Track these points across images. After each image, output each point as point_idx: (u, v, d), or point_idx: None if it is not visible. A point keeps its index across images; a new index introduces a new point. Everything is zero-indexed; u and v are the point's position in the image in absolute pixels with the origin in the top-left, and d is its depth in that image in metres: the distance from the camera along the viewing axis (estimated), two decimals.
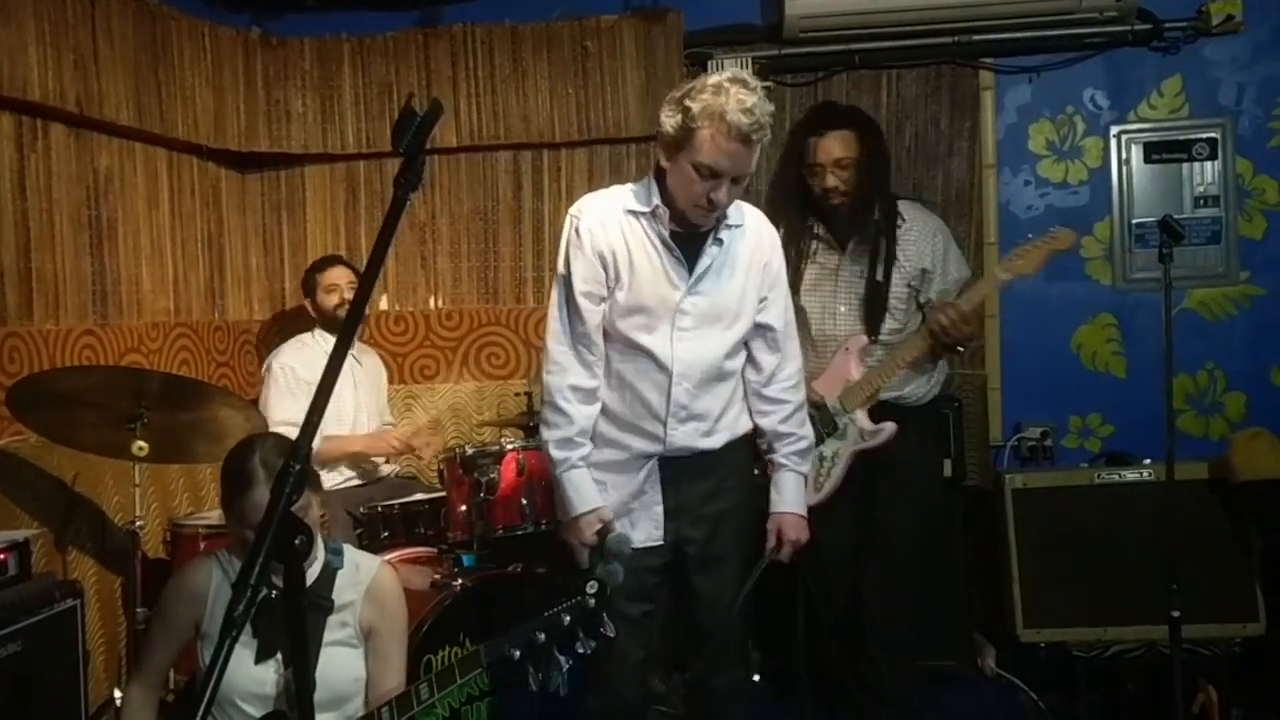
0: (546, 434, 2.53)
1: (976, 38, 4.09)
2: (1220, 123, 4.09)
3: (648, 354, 2.50)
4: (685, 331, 2.50)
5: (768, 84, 2.40)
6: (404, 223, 4.36)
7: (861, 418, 3.08)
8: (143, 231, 3.82)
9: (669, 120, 2.41)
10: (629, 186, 2.57)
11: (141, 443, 2.95)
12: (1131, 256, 4.15)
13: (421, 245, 4.47)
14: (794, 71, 4.22)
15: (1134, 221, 4.14)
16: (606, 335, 2.53)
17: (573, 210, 2.56)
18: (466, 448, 3.49)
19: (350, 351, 3.88)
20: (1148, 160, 4.13)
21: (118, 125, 3.59)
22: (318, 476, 2.44)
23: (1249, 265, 4.10)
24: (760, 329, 2.62)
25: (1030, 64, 4.16)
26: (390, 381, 4.32)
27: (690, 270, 2.50)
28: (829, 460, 3.07)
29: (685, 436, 2.54)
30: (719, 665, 2.66)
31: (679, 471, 2.57)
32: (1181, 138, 4.11)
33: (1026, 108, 4.20)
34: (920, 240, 3.14)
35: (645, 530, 2.56)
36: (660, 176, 2.49)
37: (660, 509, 2.57)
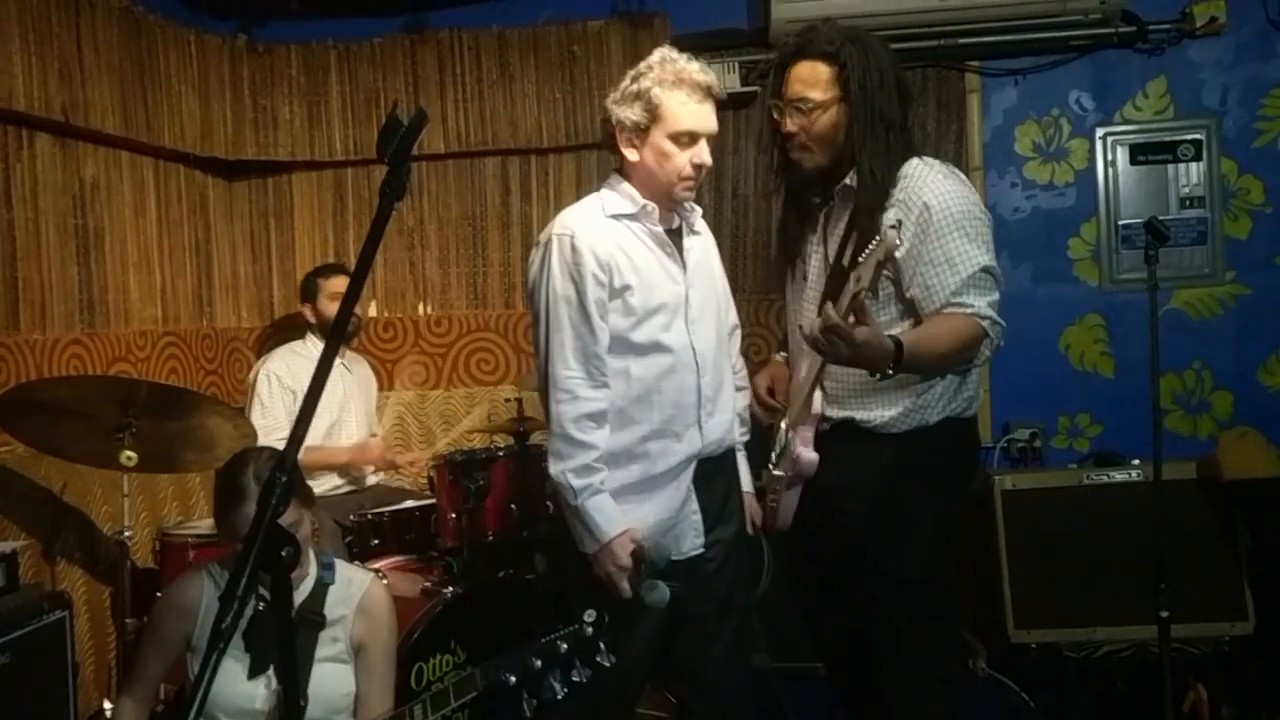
0: (560, 465, 2.36)
1: (962, 41, 4.10)
2: (1205, 123, 4.10)
3: (672, 352, 2.45)
4: (695, 324, 2.50)
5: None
6: (392, 229, 4.37)
7: (796, 439, 2.48)
8: (130, 240, 3.81)
9: (627, 111, 2.41)
10: (598, 196, 2.52)
11: (130, 452, 2.93)
12: (1118, 257, 4.17)
13: (410, 251, 4.46)
14: None
15: (1120, 222, 4.16)
16: (622, 346, 2.42)
17: (557, 230, 2.44)
18: (456, 454, 3.48)
19: (341, 361, 3.96)
20: (1133, 161, 4.15)
21: (104, 134, 3.58)
22: (311, 492, 2.42)
23: (1234, 265, 4.12)
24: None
25: (1016, 66, 4.17)
26: (380, 389, 4.32)
27: (682, 264, 2.52)
28: (777, 482, 2.59)
29: (715, 430, 2.52)
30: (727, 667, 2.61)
31: (699, 472, 2.51)
32: (1167, 139, 4.12)
33: (1012, 110, 4.21)
34: (904, 212, 2.33)
35: (689, 540, 2.49)
36: (627, 176, 2.49)
37: (698, 515, 2.51)
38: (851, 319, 2.03)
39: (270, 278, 4.50)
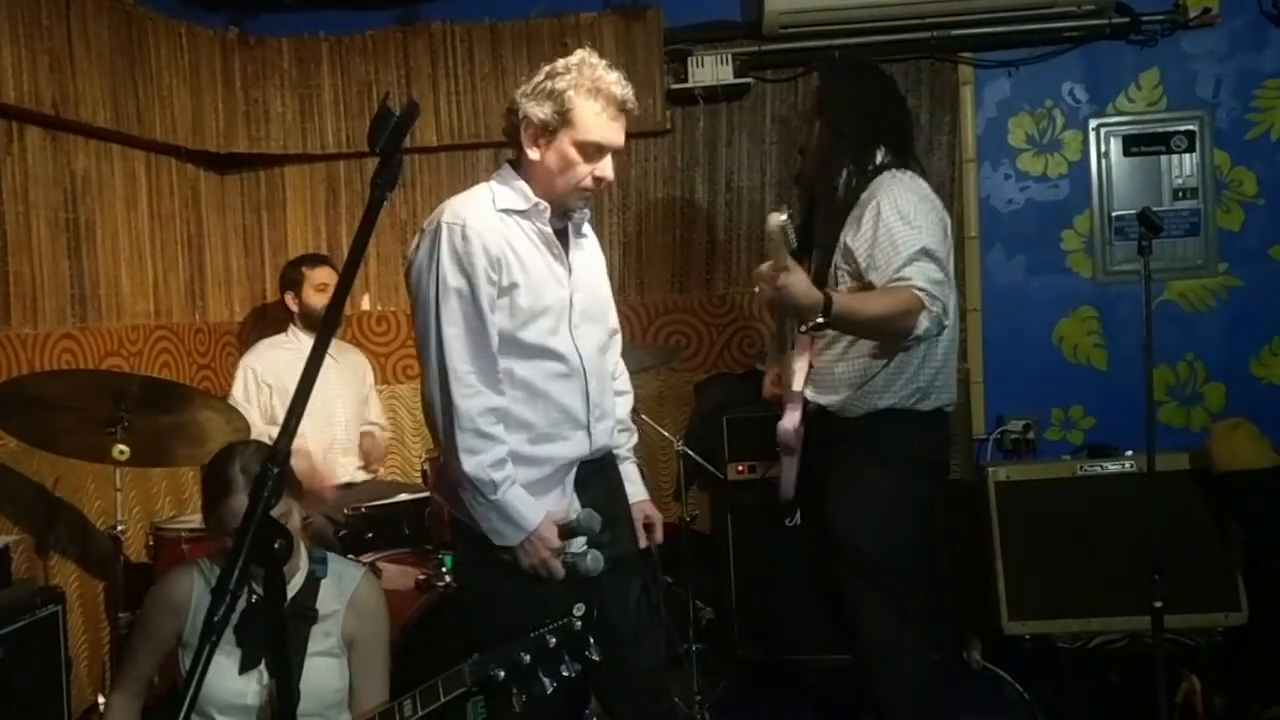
0: (475, 460, 2.26)
1: (955, 32, 4.11)
2: (1198, 115, 4.11)
3: (558, 356, 2.38)
4: (579, 328, 2.43)
5: None
6: (385, 222, 4.37)
7: (785, 414, 2.82)
8: (121, 234, 3.79)
9: (537, 109, 2.31)
10: (488, 187, 2.41)
11: (122, 446, 2.92)
12: (1111, 249, 4.17)
13: (403, 244, 4.45)
14: (774, 68, 4.23)
15: (1113, 214, 4.16)
16: (508, 347, 2.34)
17: (445, 218, 2.31)
18: None
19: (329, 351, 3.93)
20: (1126, 153, 4.16)
21: (95, 127, 3.56)
22: (299, 483, 2.42)
23: (1227, 257, 4.13)
24: None
25: (1009, 58, 4.18)
26: (374, 381, 4.30)
27: (568, 267, 2.44)
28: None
29: (603, 435, 2.48)
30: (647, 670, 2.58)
31: (581, 475, 2.47)
32: (1160, 130, 4.13)
33: (1006, 102, 4.22)
34: (862, 209, 2.68)
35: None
36: (522, 171, 2.41)
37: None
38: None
39: (263, 271, 4.48)
